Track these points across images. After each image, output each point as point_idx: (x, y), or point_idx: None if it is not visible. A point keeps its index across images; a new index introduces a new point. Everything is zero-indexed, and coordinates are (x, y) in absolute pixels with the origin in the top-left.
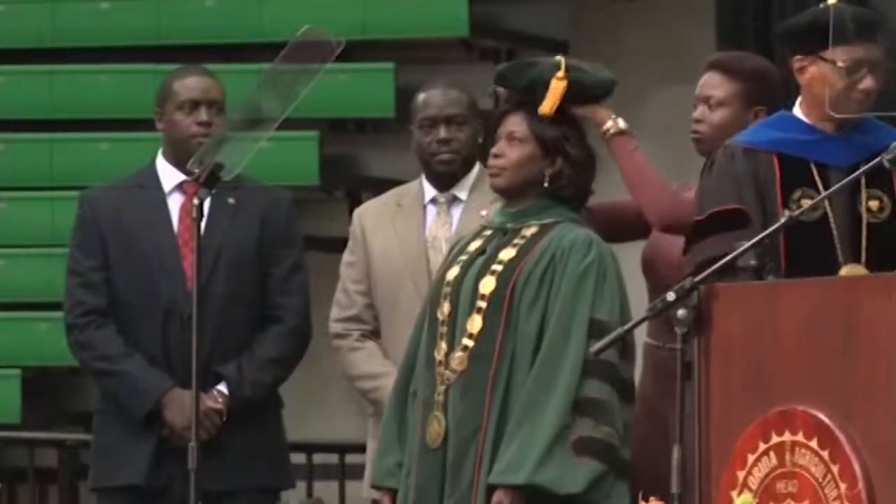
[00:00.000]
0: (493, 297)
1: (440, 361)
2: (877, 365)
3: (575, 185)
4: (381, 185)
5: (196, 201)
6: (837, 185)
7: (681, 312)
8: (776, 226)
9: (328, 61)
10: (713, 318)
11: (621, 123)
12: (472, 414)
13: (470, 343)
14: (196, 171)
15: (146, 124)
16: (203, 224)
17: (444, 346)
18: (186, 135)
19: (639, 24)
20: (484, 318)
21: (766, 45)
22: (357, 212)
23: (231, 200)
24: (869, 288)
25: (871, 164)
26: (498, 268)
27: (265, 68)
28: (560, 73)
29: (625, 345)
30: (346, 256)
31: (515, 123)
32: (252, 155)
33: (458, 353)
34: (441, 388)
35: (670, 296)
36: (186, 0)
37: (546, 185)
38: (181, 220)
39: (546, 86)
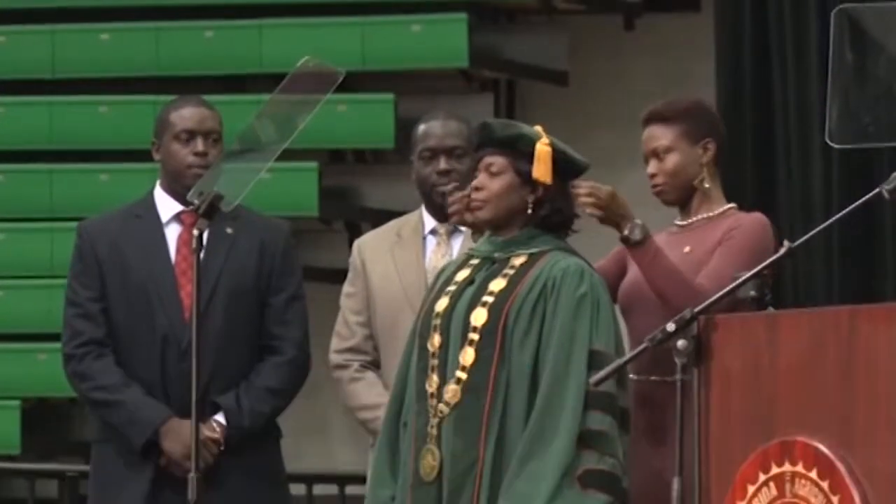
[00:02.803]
0: (486, 330)
1: (432, 394)
2: (876, 395)
3: (559, 211)
4: (380, 216)
5: (196, 232)
6: (833, 219)
7: (680, 343)
8: (776, 256)
9: (328, 92)
10: (713, 348)
11: (637, 233)
12: (467, 447)
13: (463, 375)
14: (196, 201)
15: (146, 155)
16: (201, 254)
17: (435, 378)
18: (183, 165)
19: (637, 54)
20: (477, 351)
21: (764, 74)
22: (357, 243)
23: (229, 230)
24: (868, 318)
25: (869, 194)
26: (489, 299)
27: (265, 99)
28: (545, 140)
29: (620, 374)
30: (346, 287)
31: (492, 158)
32: (252, 186)
33: (452, 386)
34: (434, 420)
35: (670, 326)
36: (186, 31)
37: (530, 212)
38: (178, 250)
39: (531, 144)
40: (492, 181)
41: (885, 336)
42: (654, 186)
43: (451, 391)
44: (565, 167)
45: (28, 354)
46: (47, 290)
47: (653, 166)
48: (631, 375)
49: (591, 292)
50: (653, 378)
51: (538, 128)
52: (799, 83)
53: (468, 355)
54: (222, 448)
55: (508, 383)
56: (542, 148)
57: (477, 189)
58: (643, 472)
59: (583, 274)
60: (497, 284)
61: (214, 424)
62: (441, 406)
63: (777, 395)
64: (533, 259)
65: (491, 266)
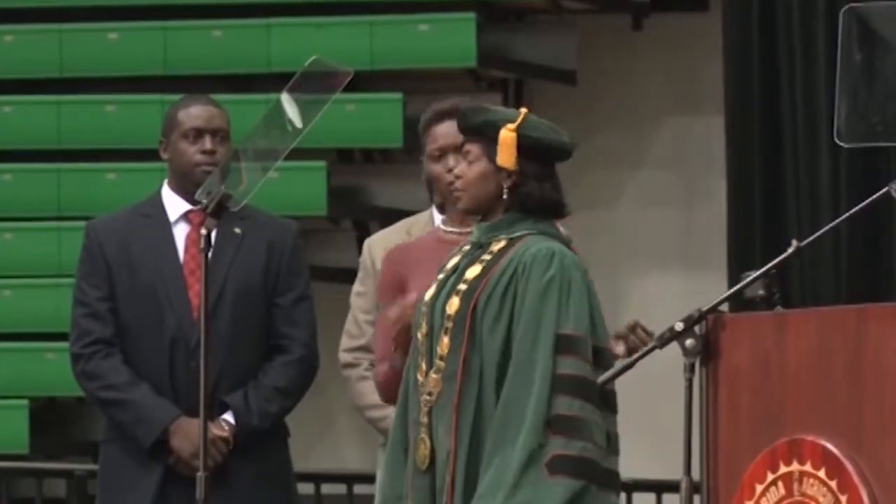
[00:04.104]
0: (457, 317)
1: (422, 383)
2: (885, 394)
3: (536, 195)
4: (388, 216)
5: (204, 231)
6: (843, 217)
7: (689, 342)
8: (785, 255)
9: (336, 91)
10: (721, 347)
11: None
12: (447, 437)
13: (441, 364)
14: (204, 201)
15: (154, 154)
16: (209, 254)
17: (424, 367)
18: (191, 163)
19: (646, 54)
20: (451, 339)
21: (773, 73)
22: (367, 242)
23: (237, 230)
24: (876, 317)
25: (877, 193)
26: (462, 287)
27: (273, 99)
28: (511, 126)
29: (597, 354)
30: (357, 286)
31: (469, 145)
32: (260, 185)
33: (433, 375)
34: (424, 409)
35: (678, 325)
36: (194, 30)
37: (505, 197)
38: (187, 249)
39: (496, 129)
40: (469, 169)
41: (894, 335)
42: (450, 185)
43: (433, 380)
44: (540, 150)
45: (36, 354)
46: (55, 289)
47: (454, 162)
48: None
49: (560, 275)
50: None
51: (523, 111)
52: (807, 82)
53: (444, 344)
54: (231, 447)
55: (482, 370)
56: (506, 134)
57: (457, 178)
58: None
59: (552, 257)
60: (472, 271)
61: (223, 423)
62: (426, 395)
63: (785, 394)
64: (511, 244)
65: (475, 251)
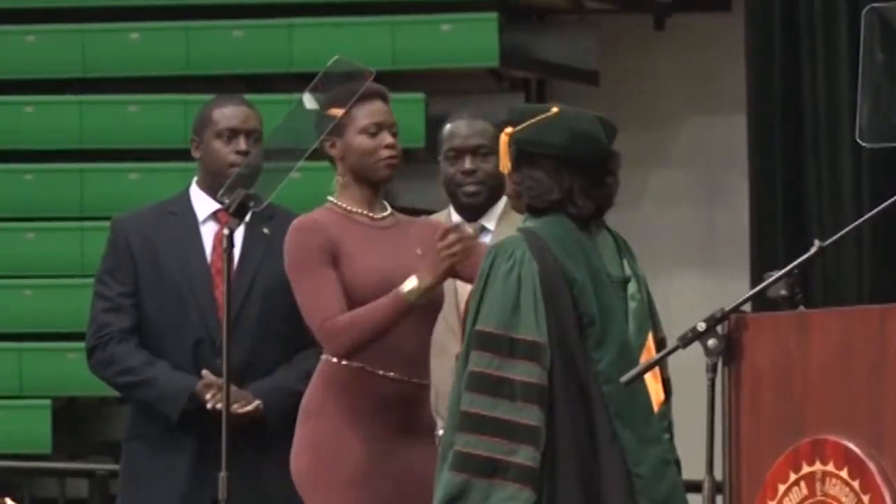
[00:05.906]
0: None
1: None
2: None
3: (528, 199)
4: (410, 215)
5: (226, 231)
6: (863, 218)
7: (711, 342)
8: (807, 255)
9: (358, 91)
10: (743, 347)
11: None
12: None
13: None
14: (226, 201)
15: (176, 154)
16: (238, 253)
17: None
18: (224, 164)
19: (668, 54)
20: None
21: (794, 73)
22: None
23: (265, 230)
24: None
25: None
26: None
27: (295, 99)
28: (509, 129)
29: (513, 344)
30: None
31: None
32: (283, 185)
33: None
34: None
35: (700, 325)
36: (216, 30)
37: (515, 199)
38: (214, 248)
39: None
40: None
41: None
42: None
43: None
44: (535, 152)
45: (58, 354)
46: (77, 289)
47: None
48: (391, 374)
49: (488, 271)
50: (414, 380)
51: (554, 109)
52: (829, 82)
53: None
54: (259, 406)
55: None
56: (502, 138)
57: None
58: (401, 470)
59: (489, 254)
60: None
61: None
62: None
63: (807, 394)
64: None
65: None
